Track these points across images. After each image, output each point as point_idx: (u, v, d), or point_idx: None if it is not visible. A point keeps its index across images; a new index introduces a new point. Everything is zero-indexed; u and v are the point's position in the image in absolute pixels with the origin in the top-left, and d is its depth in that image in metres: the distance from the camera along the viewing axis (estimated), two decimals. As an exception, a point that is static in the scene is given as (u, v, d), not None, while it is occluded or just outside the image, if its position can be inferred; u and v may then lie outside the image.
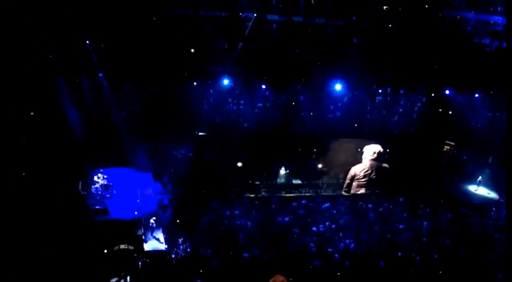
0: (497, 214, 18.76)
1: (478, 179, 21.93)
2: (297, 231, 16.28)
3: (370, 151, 19.64)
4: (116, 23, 17.95)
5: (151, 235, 16.29)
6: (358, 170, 19.68)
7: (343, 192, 20.31)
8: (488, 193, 21.87)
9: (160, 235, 16.50)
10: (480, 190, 21.88)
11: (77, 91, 19.98)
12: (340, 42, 20.59)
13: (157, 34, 18.85)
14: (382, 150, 19.56)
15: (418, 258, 15.22)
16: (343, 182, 20.63)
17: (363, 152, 19.96)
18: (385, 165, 19.99)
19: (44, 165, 17.33)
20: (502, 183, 21.37)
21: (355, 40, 20.58)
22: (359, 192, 19.79)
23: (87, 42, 18.39)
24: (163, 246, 15.94)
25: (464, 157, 23.71)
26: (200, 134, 20.31)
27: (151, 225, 16.51)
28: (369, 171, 19.54)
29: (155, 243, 16.02)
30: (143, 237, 16.11)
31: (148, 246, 15.72)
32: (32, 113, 18.49)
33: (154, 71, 19.65)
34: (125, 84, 20.32)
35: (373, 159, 19.72)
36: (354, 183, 19.83)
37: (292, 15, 19.94)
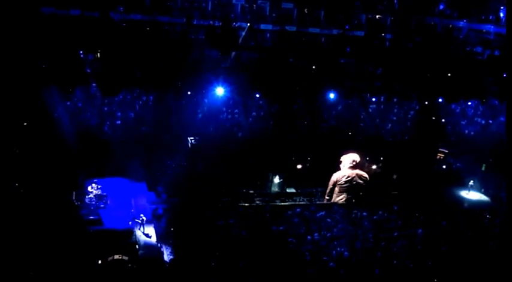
0: (491, 222, 18.83)
1: (470, 183, 22.13)
2: (292, 240, 16.26)
3: (349, 160, 20.17)
4: (109, 33, 18.02)
5: (142, 232, 16.38)
6: (340, 176, 20.16)
7: (326, 197, 20.54)
8: (480, 197, 22.06)
9: (150, 230, 16.63)
10: (471, 194, 22.09)
11: (70, 101, 19.99)
12: (333, 51, 20.77)
13: (150, 43, 18.92)
14: (359, 159, 20.21)
15: (412, 265, 15.21)
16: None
17: (341, 161, 20.36)
18: (363, 172, 20.38)
19: (37, 176, 17.26)
20: (493, 187, 21.81)
21: (348, 49, 20.76)
22: (341, 197, 20.07)
23: (81, 52, 18.44)
24: (154, 240, 16.09)
25: (458, 164, 23.83)
26: (192, 141, 20.31)
27: (141, 221, 16.58)
28: (350, 178, 20.00)
29: (146, 239, 16.19)
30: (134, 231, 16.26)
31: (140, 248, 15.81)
32: (25, 124, 18.45)
33: (148, 80, 19.68)
34: (118, 93, 20.34)
35: (352, 167, 20.19)
36: (336, 189, 20.18)
37: (285, 25, 20.10)
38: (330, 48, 20.72)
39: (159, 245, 16.13)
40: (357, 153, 20.68)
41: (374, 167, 22.53)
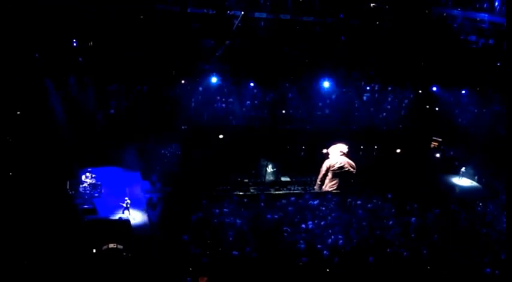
0: (484, 209, 18.98)
1: (462, 170, 22.76)
2: (286, 228, 16.31)
3: (337, 150, 21.07)
4: (102, 22, 17.87)
5: (127, 215, 16.69)
6: (333, 162, 20.88)
7: (318, 182, 21.06)
8: (471, 183, 22.67)
9: (135, 214, 16.82)
10: (463, 181, 22.77)
11: (64, 90, 19.85)
12: (327, 39, 20.71)
13: (144, 32, 18.78)
14: (346, 149, 21.15)
15: (405, 253, 15.31)
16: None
17: (328, 153, 21.10)
18: (351, 162, 21.10)
19: (31, 165, 17.21)
20: (486, 174, 22.29)
21: (342, 37, 20.73)
22: (333, 182, 20.71)
23: (74, 41, 18.30)
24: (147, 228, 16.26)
25: (451, 153, 23.99)
26: (185, 129, 20.35)
27: (126, 205, 16.81)
28: (342, 164, 20.78)
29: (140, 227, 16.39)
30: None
31: None
32: (18, 113, 18.34)
33: (142, 69, 19.56)
34: (112, 83, 20.24)
35: (342, 156, 20.99)
36: (329, 174, 20.82)
37: (279, 13, 20.01)
38: (324, 37, 20.65)
39: (153, 233, 16.15)
40: (347, 142, 21.21)
41: (368, 155, 22.73)
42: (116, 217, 16.67)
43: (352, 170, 20.86)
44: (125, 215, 16.77)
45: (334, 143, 21.17)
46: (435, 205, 18.77)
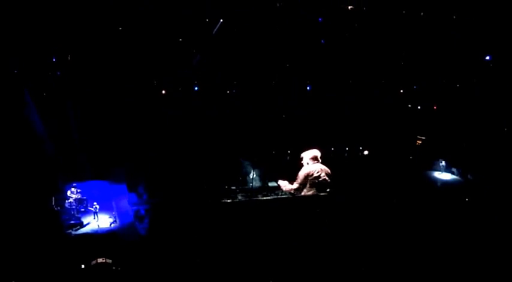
0: (469, 204, 19.19)
1: (441, 164, 23.03)
2: (275, 234, 16.36)
3: (312, 155, 18.95)
4: (81, 33, 17.82)
5: (95, 219, 16.58)
6: (312, 170, 18.85)
7: (295, 191, 19.12)
8: (451, 176, 22.92)
9: (104, 218, 16.70)
10: (444, 174, 23.01)
11: (45, 104, 19.72)
12: (307, 43, 20.87)
13: (122, 41, 18.77)
14: (320, 154, 19.04)
15: (392, 250, 15.45)
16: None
17: (302, 158, 19.18)
18: (327, 168, 19.07)
19: (14, 182, 17.04)
20: (470, 170, 22.52)
21: (322, 41, 20.89)
22: (311, 192, 18.89)
23: (53, 55, 18.22)
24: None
25: (436, 150, 24.23)
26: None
27: (94, 210, 16.65)
28: (319, 173, 18.80)
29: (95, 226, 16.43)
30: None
31: None
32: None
33: (123, 80, 19.54)
34: (94, 95, 20.16)
35: (317, 162, 18.97)
36: (308, 183, 18.97)
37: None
38: (304, 40, 20.83)
39: (142, 246, 16.09)
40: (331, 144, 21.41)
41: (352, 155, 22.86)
42: (104, 231, 16.59)
43: (328, 178, 19.00)
44: (95, 220, 16.67)
45: (310, 148, 19.46)
46: (420, 201, 18.96)
